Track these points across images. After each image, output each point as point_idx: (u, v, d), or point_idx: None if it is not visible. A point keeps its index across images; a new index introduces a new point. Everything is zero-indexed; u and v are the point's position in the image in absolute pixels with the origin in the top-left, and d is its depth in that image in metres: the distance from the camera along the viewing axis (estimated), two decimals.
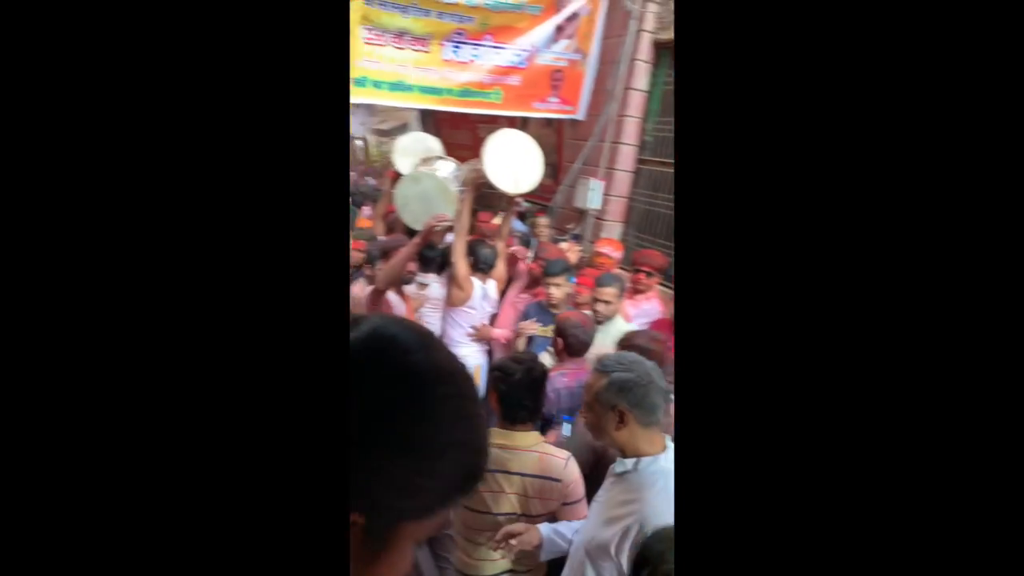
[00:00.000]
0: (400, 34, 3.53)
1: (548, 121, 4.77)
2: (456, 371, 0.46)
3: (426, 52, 3.65)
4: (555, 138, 5.00)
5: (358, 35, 3.30)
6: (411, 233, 2.97)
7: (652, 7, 4.01)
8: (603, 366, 1.37)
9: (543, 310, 2.83)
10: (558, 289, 2.75)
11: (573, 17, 4.05)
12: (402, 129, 8.81)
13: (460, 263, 2.74)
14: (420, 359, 0.44)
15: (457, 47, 3.74)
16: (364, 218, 4.12)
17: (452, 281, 2.80)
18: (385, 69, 3.56)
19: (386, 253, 2.76)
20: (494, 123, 5.20)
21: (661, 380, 1.34)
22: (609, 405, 1.31)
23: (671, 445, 1.34)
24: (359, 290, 2.89)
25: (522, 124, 5.20)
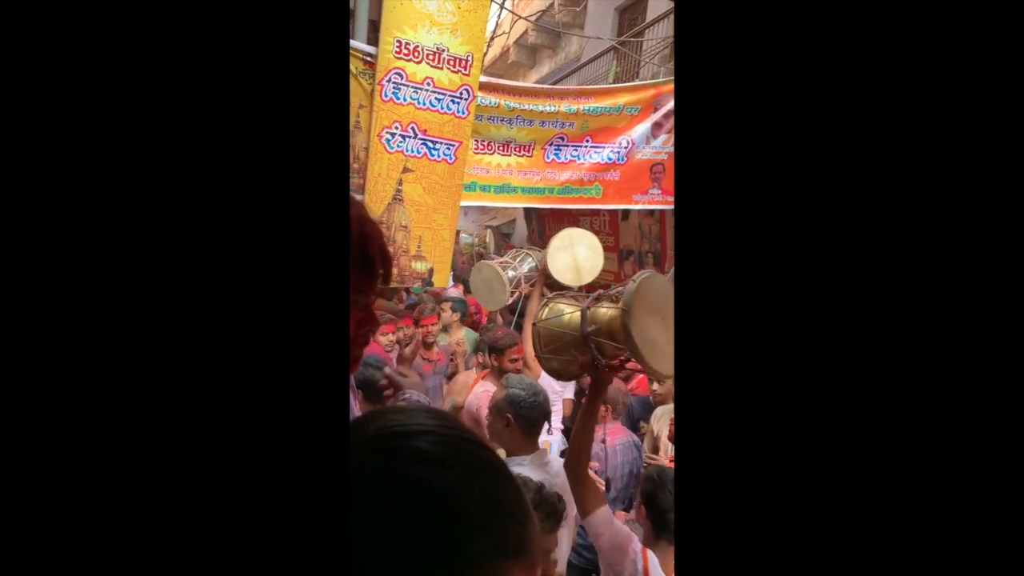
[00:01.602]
0: (506, 143, 3.86)
1: (651, 211, 4.82)
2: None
3: (529, 156, 3.93)
4: (658, 227, 5.02)
5: (468, 147, 3.66)
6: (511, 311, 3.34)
7: None
8: (506, 382, 1.87)
9: (647, 407, 2.74)
10: (661, 386, 2.67)
11: (671, 113, 4.19)
12: (510, 224, 9.28)
13: (528, 345, 2.84)
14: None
15: (558, 149, 3.99)
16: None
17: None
18: (492, 175, 3.87)
19: (492, 349, 2.90)
20: (596, 215, 5.37)
21: (546, 404, 1.83)
22: (501, 411, 1.78)
23: (544, 451, 1.81)
24: (466, 377, 3.03)
25: (623, 215, 5.31)
